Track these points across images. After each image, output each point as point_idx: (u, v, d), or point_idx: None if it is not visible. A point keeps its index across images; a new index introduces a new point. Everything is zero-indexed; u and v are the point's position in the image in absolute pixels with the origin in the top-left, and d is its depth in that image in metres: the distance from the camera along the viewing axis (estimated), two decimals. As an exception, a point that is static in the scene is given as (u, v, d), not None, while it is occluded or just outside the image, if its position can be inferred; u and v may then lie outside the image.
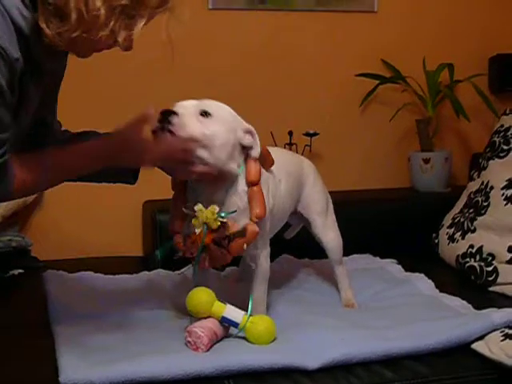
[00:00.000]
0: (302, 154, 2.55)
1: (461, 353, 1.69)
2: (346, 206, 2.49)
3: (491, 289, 2.18)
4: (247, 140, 1.71)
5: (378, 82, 2.84)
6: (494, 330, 1.73)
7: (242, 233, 1.68)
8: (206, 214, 1.66)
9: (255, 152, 1.72)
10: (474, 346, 1.69)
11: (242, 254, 1.76)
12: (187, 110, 1.64)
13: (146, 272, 2.33)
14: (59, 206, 2.66)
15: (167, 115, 1.60)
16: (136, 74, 2.66)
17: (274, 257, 1.91)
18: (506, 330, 1.71)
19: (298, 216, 2.08)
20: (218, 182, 1.69)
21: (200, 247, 1.67)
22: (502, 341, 1.65)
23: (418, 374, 1.62)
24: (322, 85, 2.88)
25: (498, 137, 2.44)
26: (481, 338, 1.71)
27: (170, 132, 1.59)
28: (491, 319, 1.76)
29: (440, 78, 2.82)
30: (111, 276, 2.27)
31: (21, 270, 2.34)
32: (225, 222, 1.67)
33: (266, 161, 1.80)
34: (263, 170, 1.78)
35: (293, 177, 1.99)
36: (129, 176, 1.80)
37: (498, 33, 3.02)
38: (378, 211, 2.67)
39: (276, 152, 2.01)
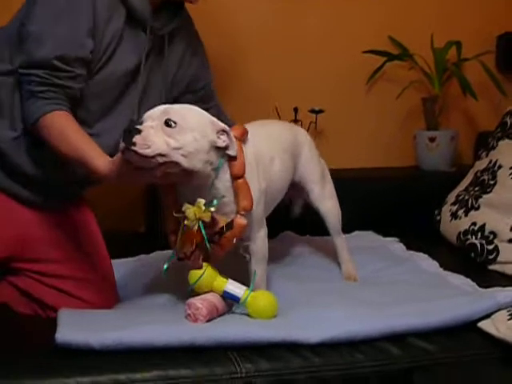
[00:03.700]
0: (308, 131, 2.53)
1: (466, 331, 1.66)
2: (350, 183, 2.49)
3: (491, 267, 2.16)
4: (222, 142, 1.64)
5: (385, 59, 2.81)
6: (499, 310, 1.70)
7: (230, 225, 1.67)
8: (193, 210, 1.62)
9: (232, 151, 1.66)
10: (481, 324, 1.67)
11: (232, 248, 1.72)
12: (153, 122, 1.56)
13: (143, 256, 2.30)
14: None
15: (129, 133, 1.52)
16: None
17: (275, 234, 1.88)
18: (513, 310, 1.69)
19: (296, 187, 2.06)
20: (194, 181, 1.64)
21: (206, 242, 1.65)
22: (510, 320, 1.62)
23: (424, 352, 1.59)
24: (328, 61, 2.85)
25: (510, 118, 2.42)
26: (486, 316, 1.68)
27: (135, 152, 1.51)
28: (496, 299, 1.73)
29: (447, 55, 2.79)
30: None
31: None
32: (215, 218, 1.65)
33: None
34: (254, 151, 1.76)
35: (288, 152, 1.97)
36: None
37: (506, 11, 2.98)
38: (383, 189, 2.64)
39: (269, 127, 1.98)
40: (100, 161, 1.61)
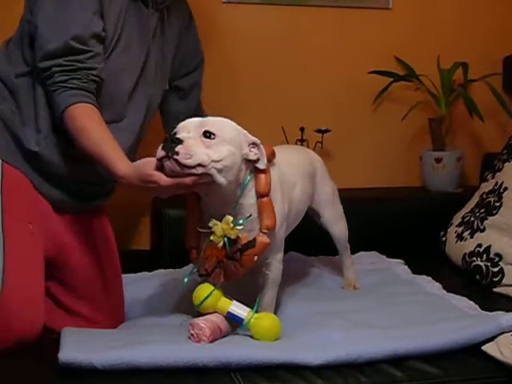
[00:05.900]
0: (314, 151, 2.54)
1: (469, 354, 1.66)
2: (356, 203, 2.49)
3: (495, 290, 2.16)
4: (254, 154, 1.66)
5: (391, 79, 2.81)
6: (502, 333, 1.69)
7: (252, 243, 1.67)
8: (221, 226, 1.64)
9: (262, 164, 1.68)
10: (485, 347, 1.67)
11: (254, 266, 1.72)
12: (190, 133, 1.57)
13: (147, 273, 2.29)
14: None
15: (171, 142, 1.53)
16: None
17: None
18: (517, 334, 1.68)
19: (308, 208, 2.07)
20: (213, 195, 1.65)
21: (229, 258, 1.67)
22: (513, 344, 1.63)
23: (427, 375, 1.59)
24: (334, 81, 2.86)
25: (515, 140, 2.43)
26: (489, 340, 1.68)
27: (176, 161, 1.52)
28: (499, 322, 1.73)
29: (454, 76, 2.79)
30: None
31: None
32: (238, 236, 1.66)
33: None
34: (279, 174, 1.77)
35: (307, 177, 1.99)
36: None
37: (513, 32, 3.00)
38: (388, 209, 2.64)
39: (289, 153, 1.99)
40: (119, 163, 1.62)
